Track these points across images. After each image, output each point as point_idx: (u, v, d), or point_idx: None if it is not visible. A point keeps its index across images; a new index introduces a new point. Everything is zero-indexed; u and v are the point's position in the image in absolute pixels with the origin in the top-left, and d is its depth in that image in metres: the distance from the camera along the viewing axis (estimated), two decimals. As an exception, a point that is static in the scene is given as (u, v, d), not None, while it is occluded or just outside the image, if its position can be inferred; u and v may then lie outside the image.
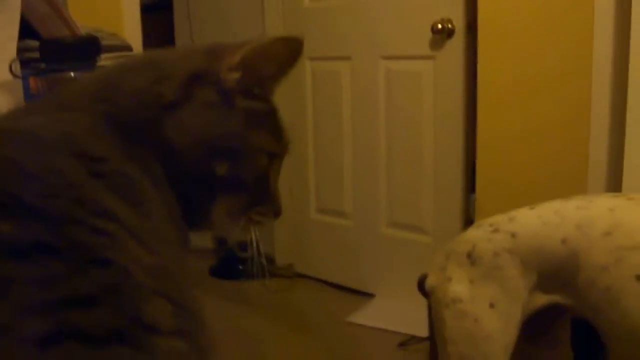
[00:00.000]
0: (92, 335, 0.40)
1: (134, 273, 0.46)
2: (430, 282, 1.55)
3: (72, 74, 1.13)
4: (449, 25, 2.66)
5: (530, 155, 2.37)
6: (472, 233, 1.51)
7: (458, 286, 1.45)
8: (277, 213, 0.76)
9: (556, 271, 1.38)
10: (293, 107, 3.33)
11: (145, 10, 2.57)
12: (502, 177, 2.45)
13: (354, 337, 2.77)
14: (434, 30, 2.67)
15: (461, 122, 2.71)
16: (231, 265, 3.46)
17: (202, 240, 3.23)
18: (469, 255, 1.45)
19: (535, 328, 1.52)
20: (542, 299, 1.42)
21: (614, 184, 2.11)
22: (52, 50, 1.15)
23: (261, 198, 0.74)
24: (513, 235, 1.42)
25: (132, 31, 2.27)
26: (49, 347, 0.38)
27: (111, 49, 1.40)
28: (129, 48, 1.49)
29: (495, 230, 1.45)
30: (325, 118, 3.23)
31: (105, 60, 1.28)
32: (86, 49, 1.17)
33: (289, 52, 0.73)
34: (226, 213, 0.72)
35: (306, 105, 3.29)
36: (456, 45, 2.67)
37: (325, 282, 3.32)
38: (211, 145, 0.66)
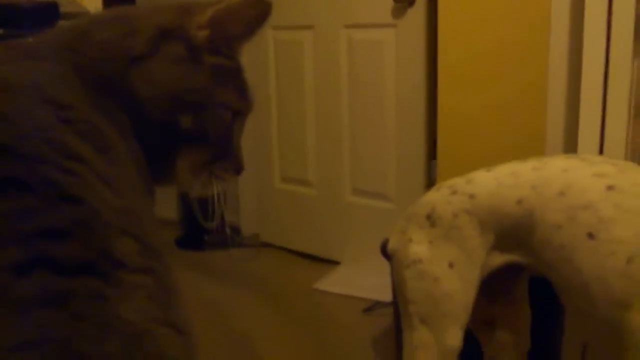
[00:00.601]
0: (64, 265, 0.41)
1: (103, 212, 0.47)
2: (391, 244, 1.58)
3: (29, 39, 1.12)
4: (410, -7, 2.67)
5: (489, 122, 2.41)
6: (432, 195, 1.53)
7: (418, 247, 1.48)
8: (238, 170, 0.78)
9: (513, 231, 1.41)
10: (256, 77, 3.32)
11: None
12: (463, 144, 2.48)
13: (320, 304, 2.81)
14: (396, -2, 2.69)
15: (423, 89, 2.73)
16: (196, 235, 3.46)
17: (167, 211, 3.24)
18: (429, 217, 1.48)
19: (494, 287, 1.56)
20: (500, 258, 1.45)
21: (571, 143, 2.16)
22: (9, 15, 1.13)
23: (224, 154, 0.76)
24: (471, 196, 1.45)
25: (91, -1, 2.24)
26: (24, 274, 0.39)
27: (70, 15, 1.39)
28: (88, 15, 1.48)
29: (454, 192, 1.47)
30: (288, 87, 3.23)
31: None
32: (45, 14, 1.15)
33: (257, 13, 0.75)
34: (190, 167, 0.73)
35: (269, 75, 3.28)
36: (417, 13, 2.69)
37: (291, 251, 3.34)
38: (177, 98, 0.68)
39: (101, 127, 0.58)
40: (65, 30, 0.71)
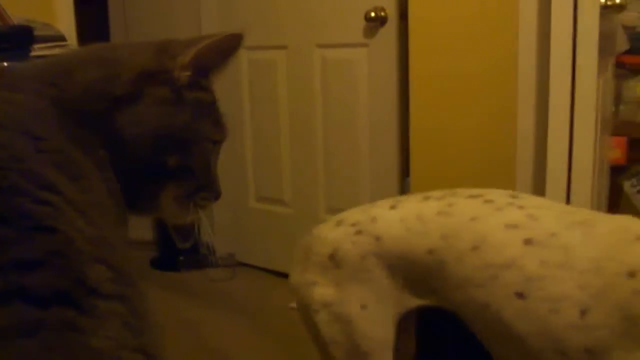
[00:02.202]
0: (37, 295, 0.42)
1: (76, 240, 0.48)
2: (293, 280, 1.52)
3: (4, 63, 1.13)
4: (382, 14, 2.71)
5: (461, 140, 2.44)
6: (333, 233, 1.46)
7: (324, 289, 1.42)
8: (217, 196, 0.81)
9: (426, 279, 1.36)
10: (230, 96, 3.34)
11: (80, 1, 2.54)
12: (435, 161, 2.51)
13: (296, 322, 2.78)
14: (367, 18, 2.72)
15: (395, 108, 2.76)
16: (172, 256, 3.45)
17: (142, 232, 3.22)
18: (332, 258, 1.41)
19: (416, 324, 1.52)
20: (416, 302, 1.40)
21: (541, 160, 2.19)
22: (-16, 39, 1.14)
23: (205, 183, 0.78)
24: (377, 238, 1.38)
25: (65, 21, 2.25)
26: (0, 305, 0.40)
27: (45, 39, 1.40)
28: (62, 38, 1.49)
29: (359, 232, 1.40)
30: (262, 107, 3.25)
31: (39, 50, 1.28)
32: (19, 38, 1.16)
33: (232, 45, 0.78)
34: (173, 199, 0.75)
35: (243, 95, 3.30)
36: (389, 33, 2.72)
37: (267, 270, 3.34)
38: (163, 138, 0.70)
39: (75, 158, 0.59)
40: (47, 66, 0.73)
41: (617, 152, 2.60)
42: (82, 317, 0.45)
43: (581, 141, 2.08)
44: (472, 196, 1.39)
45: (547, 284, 1.22)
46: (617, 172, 2.56)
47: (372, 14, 2.70)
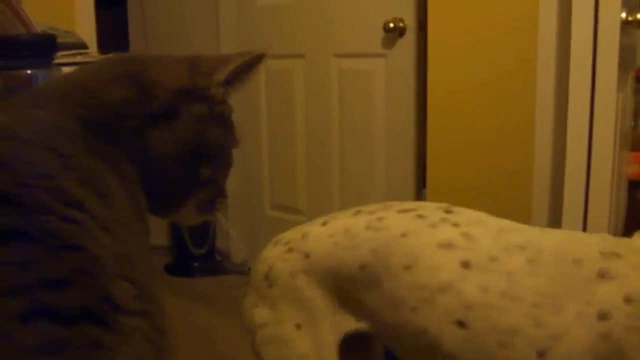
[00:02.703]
0: (63, 314, 0.43)
1: (102, 258, 0.49)
2: (246, 301, 1.48)
3: (28, 71, 1.14)
4: (401, 24, 2.71)
5: (478, 150, 2.43)
6: (269, 252, 1.43)
7: (260, 310, 1.39)
8: (226, 198, 0.84)
9: (361, 298, 1.30)
10: (247, 105, 3.35)
11: (99, 5, 2.56)
12: (452, 172, 2.50)
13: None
14: (386, 28, 2.72)
15: (412, 118, 2.76)
16: (186, 262, 3.46)
17: (157, 237, 3.23)
18: (267, 277, 1.38)
19: (349, 350, 1.43)
20: (355, 325, 1.34)
21: (558, 174, 2.18)
22: (8, 47, 1.15)
23: (223, 189, 0.81)
24: (306, 255, 1.34)
25: (86, 28, 2.27)
26: (26, 323, 0.41)
27: (67, 46, 1.41)
28: (84, 46, 1.50)
29: (290, 249, 1.37)
30: (279, 115, 3.26)
31: (61, 57, 1.29)
32: (43, 46, 1.18)
33: (256, 64, 0.82)
34: (196, 205, 0.77)
35: (260, 103, 3.31)
36: (407, 43, 2.72)
37: (281, 278, 3.34)
38: (199, 153, 0.72)
39: (101, 174, 0.60)
40: (73, 84, 0.73)
41: (635, 167, 2.58)
42: (107, 334, 0.45)
43: (599, 155, 2.07)
44: (403, 210, 1.34)
45: (492, 314, 1.16)
46: (635, 187, 2.54)
47: (391, 25, 2.71)
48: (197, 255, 3.44)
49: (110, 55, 0.83)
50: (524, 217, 2.33)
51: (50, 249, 0.46)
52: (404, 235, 1.27)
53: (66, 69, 1.27)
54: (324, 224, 1.38)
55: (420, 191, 2.77)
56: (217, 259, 3.56)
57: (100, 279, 0.47)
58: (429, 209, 1.33)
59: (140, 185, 0.68)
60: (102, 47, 2.39)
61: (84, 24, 2.29)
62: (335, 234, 1.34)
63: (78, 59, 1.38)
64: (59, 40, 1.31)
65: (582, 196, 2.06)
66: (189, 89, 0.74)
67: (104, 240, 0.51)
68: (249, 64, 0.81)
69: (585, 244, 1.21)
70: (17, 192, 0.48)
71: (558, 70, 2.17)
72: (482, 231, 1.26)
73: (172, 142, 0.72)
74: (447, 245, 1.23)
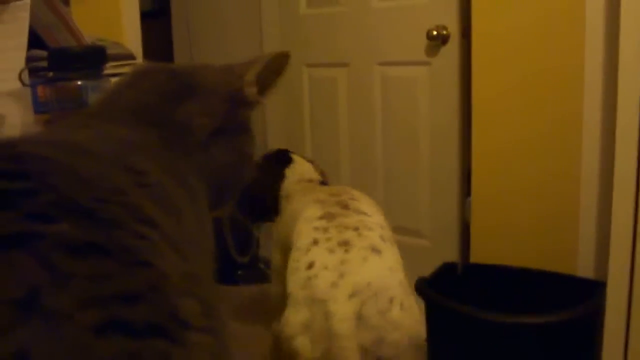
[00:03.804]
0: (135, 327, 0.44)
1: (171, 276, 0.50)
2: None
3: (79, 82, 1.16)
4: (444, 32, 2.70)
5: (524, 159, 2.41)
6: None
7: None
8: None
9: None
10: (291, 113, 3.37)
11: (144, 16, 2.59)
12: (497, 181, 2.48)
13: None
14: (429, 36, 2.71)
15: (457, 126, 2.74)
16: (230, 270, 3.48)
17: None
18: None
19: None
20: None
21: (606, 183, 2.14)
22: (60, 59, 1.18)
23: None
24: None
25: (132, 39, 2.30)
26: (101, 335, 0.42)
27: (115, 57, 1.44)
28: (132, 57, 1.52)
29: None
30: (323, 123, 3.26)
31: (110, 68, 1.31)
32: (93, 58, 1.20)
33: (283, 63, 0.83)
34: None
35: (303, 111, 3.32)
36: (451, 51, 2.71)
37: (324, 286, 3.34)
38: (246, 159, 0.75)
39: (171, 192, 0.62)
40: (138, 98, 0.75)
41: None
42: (174, 349, 0.46)
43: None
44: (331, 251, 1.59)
45: None
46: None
47: (434, 32, 2.70)
48: (241, 263, 3.46)
49: (154, 64, 0.84)
50: (572, 223, 2.30)
51: (123, 264, 0.47)
52: None
53: (115, 80, 1.30)
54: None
55: (465, 200, 2.74)
56: (261, 267, 3.57)
57: (168, 295, 0.48)
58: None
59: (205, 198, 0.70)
60: (148, 57, 2.43)
61: (130, 35, 2.32)
62: None
63: (126, 69, 1.40)
64: (108, 51, 1.33)
65: (633, 195, 2.01)
66: (233, 95, 0.76)
67: (173, 258, 0.52)
68: (275, 62, 0.83)
69: None
70: (94, 207, 0.49)
71: (605, 69, 2.14)
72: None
73: (231, 151, 0.74)
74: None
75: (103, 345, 0.42)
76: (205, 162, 0.71)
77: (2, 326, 0.39)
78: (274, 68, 0.83)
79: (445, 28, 2.70)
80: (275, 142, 3.46)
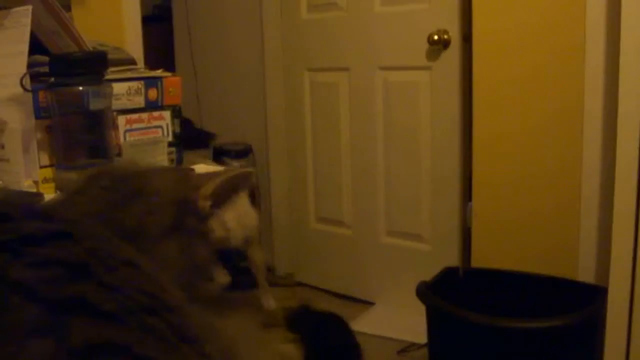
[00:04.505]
0: None
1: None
2: None
3: (80, 88, 1.17)
4: (445, 36, 2.71)
5: (525, 163, 2.41)
6: None
7: None
8: None
9: None
10: (292, 117, 3.37)
11: (145, 21, 2.60)
12: (498, 185, 2.48)
13: (354, 344, 2.80)
14: (430, 41, 2.72)
15: (458, 131, 2.75)
16: (230, 274, 3.48)
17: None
18: None
19: None
20: None
21: (608, 179, 2.13)
22: (61, 64, 1.18)
23: None
24: None
25: (133, 44, 2.31)
26: None
27: (116, 62, 1.44)
28: (133, 62, 1.52)
29: None
30: (324, 128, 3.27)
31: (111, 73, 1.31)
32: (94, 63, 1.20)
33: (244, 183, 0.84)
34: None
35: (305, 115, 3.32)
36: (452, 55, 2.71)
37: (326, 291, 3.34)
38: (200, 263, 0.74)
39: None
40: (85, 209, 0.75)
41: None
42: None
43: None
44: None
45: None
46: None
47: (435, 37, 2.70)
48: (242, 268, 3.46)
49: (104, 169, 0.86)
50: (572, 227, 2.30)
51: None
52: None
53: (116, 85, 1.30)
54: None
55: (466, 204, 2.75)
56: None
57: None
58: None
59: None
60: (149, 61, 2.43)
61: (132, 40, 2.33)
62: None
63: (127, 74, 1.41)
64: (109, 56, 1.33)
65: (634, 203, 2.00)
66: (184, 201, 0.76)
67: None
68: (235, 180, 0.82)
69: None
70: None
71: (607, 79, 2.14)
72: None
73: (184, 254, 0.74)
74: None
75: None
76: (164, 259, 0.71)
77: None
78: (233, 186, 0.82)
79: (446, 32, 2.71)
80: (276, 146, 3.47)
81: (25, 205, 0.58)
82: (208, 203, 0.78)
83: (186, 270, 0.73)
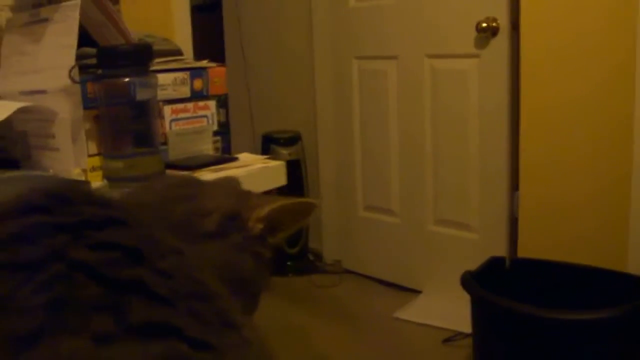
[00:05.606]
0: None
1: None
2: None
3: (126, 79, 1.20)
4: (494, 24, 2.68)
5: (573, 153, 2.38)
6: None
7: None
8: None
9: None
10: (340, 106, 3.38)
11: (196, 10, 2.64)
12: (545, 175, 2.46)
13: (400, 332, 2.81)
14: (479, 29, 2.69)
15: (506, 119, 2.72)
16: (280, 261, 3.53)
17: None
18: None
19: None
20: None
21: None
22: (108, 57, 1.22)
23: None
24: None
25: (182, 35, 2.35)
26: None
27: (164, 53, 1.47)
28: (179, 52, 1.56)
29: None
30: (372, 116, 3.27)
31: (157, 64, 1.35)
32: (139, 55, 1.23)
33: (304, 210, 0.83)
34: None
35: (353, 104, 3.33)
36: (501, 43, 2.68)
37: (373, 279, 3.36)
38: (231, 279, 0.75)
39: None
40: (150, 204, 0.78)
41: None
42: None
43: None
44: None
45: None
46: None
47: (484, 25, 2.68)
48: (290, 254, 3.50)
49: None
50: (622, 218, 2.27)
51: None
52: None
53: (162, 75, 1.33)
54: None
55: (513, 193, 2.72)
56: (310, 259, 3.61)
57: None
58: None
59: None
60: (200, 49, 2.47)
61: (181, 30, 2.37)
62: None
63: (173, 65, 1.44)
64: (155, 47, 1.36)
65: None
66: (233, 215, 0.77)
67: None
68: (297, 208, 0.81)
69: None
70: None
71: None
72: None
73: (210, 263, 0.76)
74: None
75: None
76: (204, 256, 0.73)
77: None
78: (294, 213, 0.81)
79: (495, 20, 2.68)
80: (324, 134, 3.49)
81: (85, 191, 0.62)
82: (260, 225, 0.78)
83: (224, 272, 0.75)
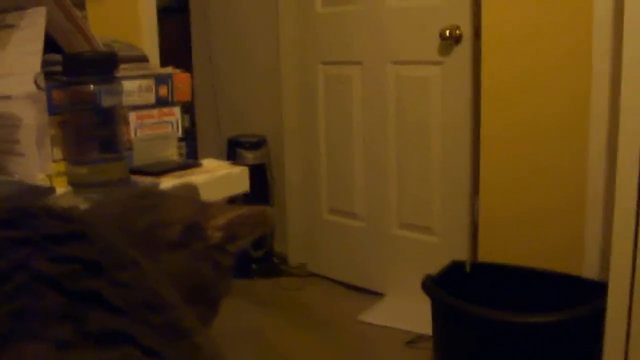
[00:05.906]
0: None
1: None
2: None
3: (91, 86, 1.21)
4: (457, 32, 2.73)
5: (532, 159, 2.43)
6: None
7: None
8: None
9: None
10: (306, 110, 3.41)
11: (163, 12, 2.64)
12: (505, 181, 2.51)
13: (364, 335, 2.84)
14: (442, 36, 2.74)
15: (468, 125, 2.77)
16: (245, 264, 3.54)
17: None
18: None
19: None
20: None
21: (612, 201, 2.15)
22: (73, 64, 1.23)
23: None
24: None
25: (149, 39, 2.36)
26: None
27: (129, 59, 1.49)
28: (145, 59, 1.57)
29: None
30: (337, 121, 3.31)
31: (122, 71, 1.36)
32: (105, 62, 1.25)
33: (260, 222, 0.85)
34: None
35: (319, 108, 3.36)
36: (464, 51, 2.74)
37: (337, 282, 3.39)
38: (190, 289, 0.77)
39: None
40: (113, 215, 0.81)
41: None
42: None
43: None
44: None
45: None
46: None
47: (447, 32, 2.73)
48: (255, 258, 3.51)
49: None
50: (578, 221, 2.32)
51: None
52: None
53: (127, 82, 1.35)
54: None
55: (475, 197, 2.77)
56: (275, 262, 3.63)
57: None
58: None
59: None
60: (166, 52, 2.48)
61: (147, 35, 2.37)
62: None
63: (139, 72, 1.45)
64: (121, 54, 1.37)
65: (634, 201, 2.02)
66: (194, 227, 0.80)
67: None
68: (255, 218, 0.83)
69: None
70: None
71: (614, 76, 2.16)
72: None
73: (187, 274, 0.78)
74: None
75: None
76: (165, 267, 0.75)
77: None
78: (253, 221, 0.83)
79: (458, 28, 2.73)
80: (290, 139, 3.51)
81: (48, 205, 0.65)
82: (219, 234, 0.80)
83: (185, 280, 0.77)
